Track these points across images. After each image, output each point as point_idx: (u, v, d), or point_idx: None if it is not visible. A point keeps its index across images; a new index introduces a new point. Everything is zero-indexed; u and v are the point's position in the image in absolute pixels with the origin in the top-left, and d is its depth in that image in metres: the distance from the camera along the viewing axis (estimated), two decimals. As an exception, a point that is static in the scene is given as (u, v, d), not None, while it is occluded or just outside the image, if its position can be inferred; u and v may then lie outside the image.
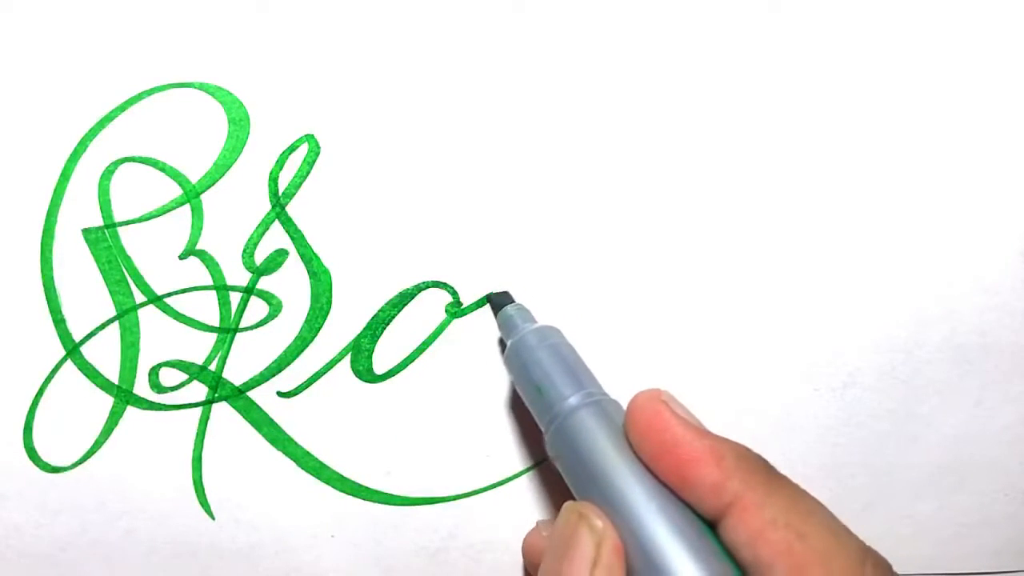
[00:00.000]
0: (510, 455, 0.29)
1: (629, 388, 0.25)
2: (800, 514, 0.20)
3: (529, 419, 0.29)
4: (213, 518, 0.29)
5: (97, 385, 0.29)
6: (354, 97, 0.29)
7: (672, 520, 0.20)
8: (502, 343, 0.29)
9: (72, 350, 0.29)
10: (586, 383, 0.24)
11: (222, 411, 0.29)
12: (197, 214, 0.29)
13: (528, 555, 0.28)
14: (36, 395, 0.29)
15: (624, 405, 0.23)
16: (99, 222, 0.28)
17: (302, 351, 0.29)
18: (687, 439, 0.21)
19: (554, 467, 0.29)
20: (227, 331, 0.29)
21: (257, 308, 0.29)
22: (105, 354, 0.29)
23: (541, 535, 0.27)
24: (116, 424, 0.29)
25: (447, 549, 0.30)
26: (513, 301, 0.28)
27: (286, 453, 0.29)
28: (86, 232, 0.28)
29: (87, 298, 0.28)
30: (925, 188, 0.29)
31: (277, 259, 0.29)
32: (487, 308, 0.29)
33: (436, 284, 0.29)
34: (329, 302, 0.29)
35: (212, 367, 0.29)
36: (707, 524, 0.20)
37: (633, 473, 0.21)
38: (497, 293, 0.29)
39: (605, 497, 0.21)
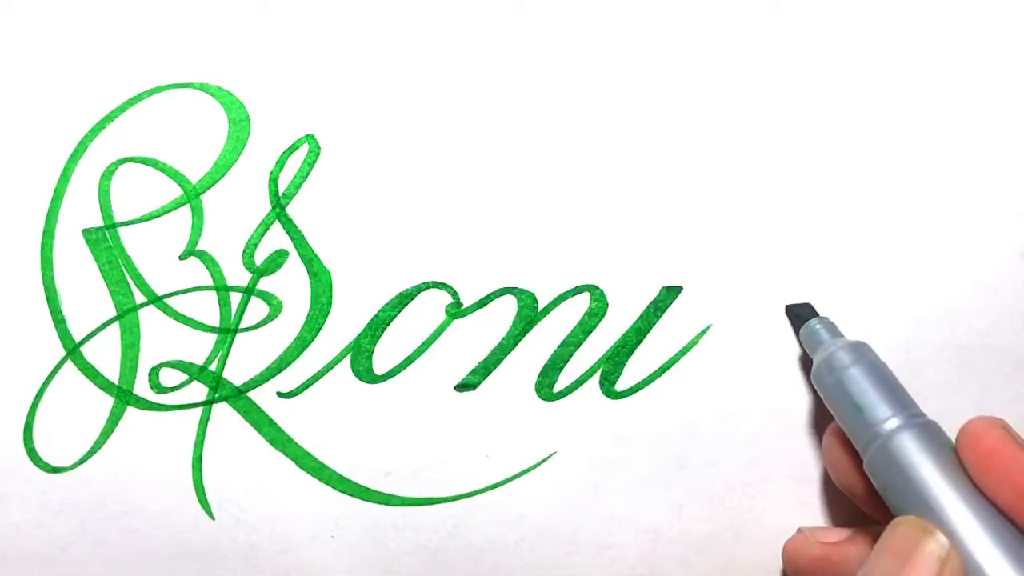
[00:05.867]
0: (510, 455, 0.29)
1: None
2: None
3: (528, 420, 0.29)
4: (213, 518, 0.29)
5: (97, 385, 0.29)
6: (354, 97, 0.29)
7: (1014, 549, 0.20)
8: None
9: (72, 350, 0.29)
10: (907, 403, 0.24)
11: (222, 411, 0.29)
12: (197, 214, 0.29)
13: (793, 561, 0.28)
14: (36, 395, 0.29)
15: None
16: (99, 222, 0.28)
17: (302, 351, 0.29)
18: None
19: (554, 468, 0.29)
20: (227, 331, 0.29)
21: (257, 308, 0.29)
22: (105, 354, 0.29)
23: (809, 542, 0.27)
24: (116, 424, 0.29)
25: (447, 549, 0.30)
26: (816, 314, 0.28)
27: (286, 453, 0.29)
28: (86, 232, 0.28)
29: (87, 298, 0.28)
30: (925, 188, 0.29)
31: (277, 259, 0.29)
32: (490, 308, 0.29)
33: (436, 284, 0.29)
34: (329, 302, 0.29)
35: (212, 367, 0.29)
36: None
37: (971, 497, 0.21)
38: (798, 305, 0.28)
39: (939, 519, 0.21)
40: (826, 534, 0.28)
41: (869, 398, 0.24)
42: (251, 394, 0.29)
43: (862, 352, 0.26)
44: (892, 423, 0.23)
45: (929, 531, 0.21)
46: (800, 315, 0.28)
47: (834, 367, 0.25)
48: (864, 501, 0.26)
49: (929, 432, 0.23)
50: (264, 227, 0.29)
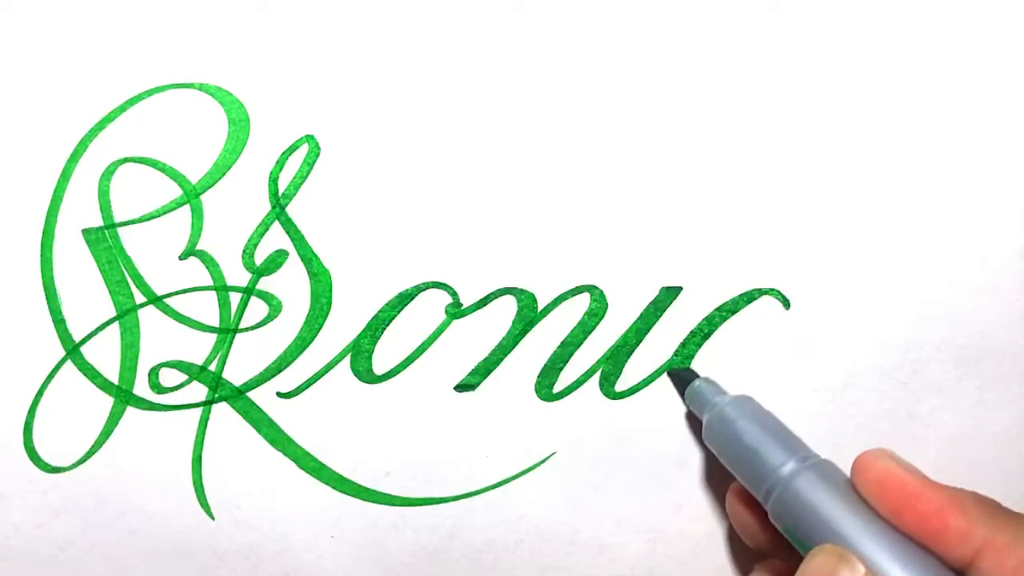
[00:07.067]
0: (510, 455, 0.29)
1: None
2: None
3: (527, 420, 0.29)
4: (213, 518, 0.29)
5: (97, 385, 0.29)
6: (354, 97, 0.29)
7: (926, 570, 0.21)
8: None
9: (72, 350, 0.29)
10: (798, 447, 0.25)
11: (222, 411, 0.29)
12: (197, 214, 0.29)
13: None
14: (36, 395, 0.29)
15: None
16: (99, 222, 0.28)
17: (302, 351, 0.29)
18: (926, 491, 0.22)
19: (554, 468, 0.29)
20: (227, 331, 0.29)
21: (257, 308, 0.29)
22: (105, 354, 0.29)
23: None
24: (116, 424, 0.29)
25: (447, 549, 0.30)
26: (697, 376, 0.28)
27: (286, 453, 0.29)
28: (86, 232, 0.28)
29: (87, 298, 0.29)
30: (925, 188, 0.29)
31: (277, 259, 0.29)
32: (490, 308, 0.29)
33: (436, 284, 0.29)
34: (329, 302, 0.29)
35: (212, 367, 0.29)
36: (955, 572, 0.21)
37: (878, 527, 0.22)
38: (681, 369, 0.29)
39: (850, 548, 0.21)
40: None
41: (762, 447, 0.25)
42: (251, 394, 0.29)
43: (747, 405, 0.26)
44: (789, 467, 0.24)
45: (845, 558, 0.21)
46: (683, 378, 0.29)
47: (724, 423, 0.26)
48: (778, 554, 0.26)
49: (825, 470, 0.24)
50: (264, 227, 0.29)
